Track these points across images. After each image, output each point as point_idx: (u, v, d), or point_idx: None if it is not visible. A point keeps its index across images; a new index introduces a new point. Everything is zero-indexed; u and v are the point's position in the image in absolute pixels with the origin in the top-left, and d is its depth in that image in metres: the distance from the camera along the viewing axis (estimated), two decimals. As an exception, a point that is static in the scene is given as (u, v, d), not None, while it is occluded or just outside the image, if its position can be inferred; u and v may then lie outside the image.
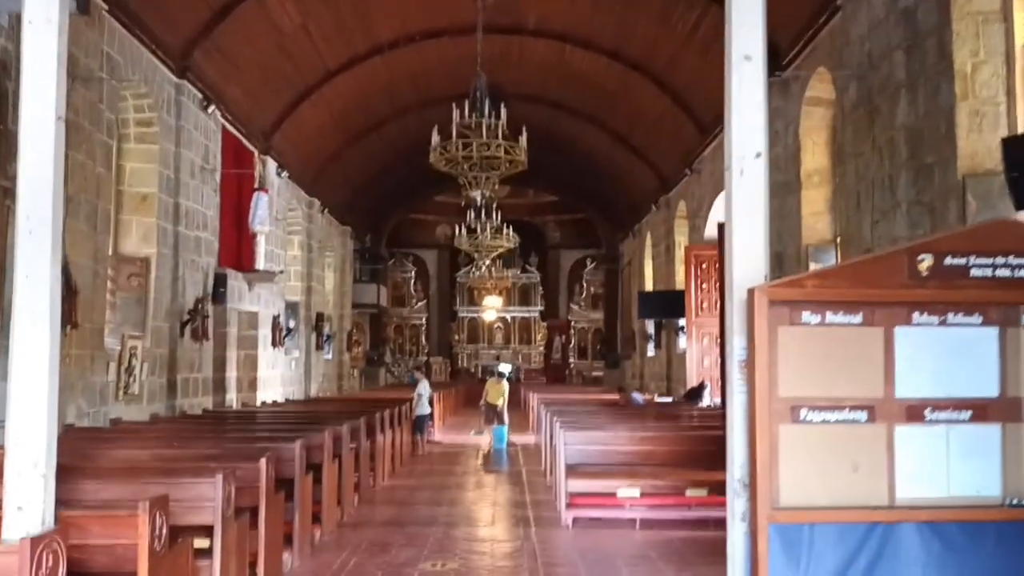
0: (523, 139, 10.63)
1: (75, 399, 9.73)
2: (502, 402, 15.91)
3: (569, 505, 7.20)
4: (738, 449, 3.45)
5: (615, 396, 17.90)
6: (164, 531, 3.54)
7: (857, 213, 9.95)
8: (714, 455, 7.33)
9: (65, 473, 4.43)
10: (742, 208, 3.38)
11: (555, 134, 22.54)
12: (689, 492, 7.11)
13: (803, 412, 3.30)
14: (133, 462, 5.21)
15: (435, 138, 10.62)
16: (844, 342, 3.30)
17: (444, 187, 30.06)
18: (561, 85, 19.75)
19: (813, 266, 12.10)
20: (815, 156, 12.36)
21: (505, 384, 16.33)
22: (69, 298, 9.36)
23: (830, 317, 3.30)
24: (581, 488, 7.23)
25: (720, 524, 6.97)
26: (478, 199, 11.35)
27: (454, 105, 10.33)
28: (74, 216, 9.60)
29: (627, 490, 7.13)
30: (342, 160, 21.85)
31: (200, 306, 13.37)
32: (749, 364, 3.29)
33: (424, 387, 15.98)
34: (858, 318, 3.31)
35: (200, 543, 4.27)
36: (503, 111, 10.16)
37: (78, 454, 5.66)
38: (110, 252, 11.76)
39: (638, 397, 15.73)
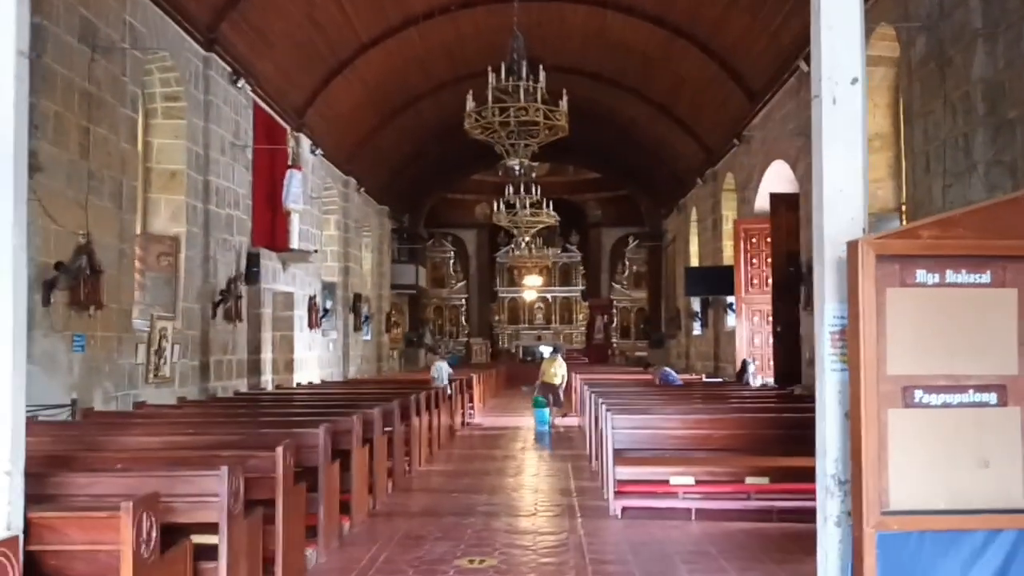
0: (564, 103, 10.00)
1: (101, 382, 9.40)
2: (561, 380, 15.30)
3: (618, 493, 6.62)
4: (831, 439, 2.86)
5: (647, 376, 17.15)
6: (154, 534, 3.06)
7: (927, 177, 9.20)
8: (775, 439, 6.73)
9: (58, 464, 3.98)
10: (835, 144, 2.78)
11: (595, 107, 21.80)
12: (749, 480, 6.50)
13: (917, 394, 2.68)
14: (140, 451, 4.76)
15: (470, 103, 10.02)
16: (968, 307, 2.66)
17: (482, 165, 29.60)
18: (601, 55, 19.02)
19: (874, 237, 11.35)
20: (876, 119, 11.57)
21: (561, 361, 15.68)
22: (93, 278, 9.03)
23: (951, 276, 2.67)
24: (630, 475, 6.66)
25: (786, 516, 6.43)
26: (516, 168, 10.71)
27: (490, 68, 9.73)
28: (97, 193, 9.23)
29: (680, 478, 6.54)
30: (377, 138, 21.38)
31: (233, 286, 13.00)
32: (851, 335, 2.69)
33: (438, 369, 15.53)
34: (986, 277, 2.68)
35: (209, 539, 3.79)
36: (542, 74, 9.53)
37: (84, 442, 5.24)
38: (138, 231, 11.43)
39: (672, 374, 14.83)
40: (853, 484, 2.72)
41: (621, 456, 6.67)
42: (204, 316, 12.32)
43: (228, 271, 13.04)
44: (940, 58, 8.88)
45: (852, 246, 2.67)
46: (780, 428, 6.70)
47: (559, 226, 34.06)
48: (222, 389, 12.50)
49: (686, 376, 17.64)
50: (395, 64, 18.20)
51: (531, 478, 9.17)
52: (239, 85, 13.51)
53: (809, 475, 6.94)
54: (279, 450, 4.47)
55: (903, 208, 10.98)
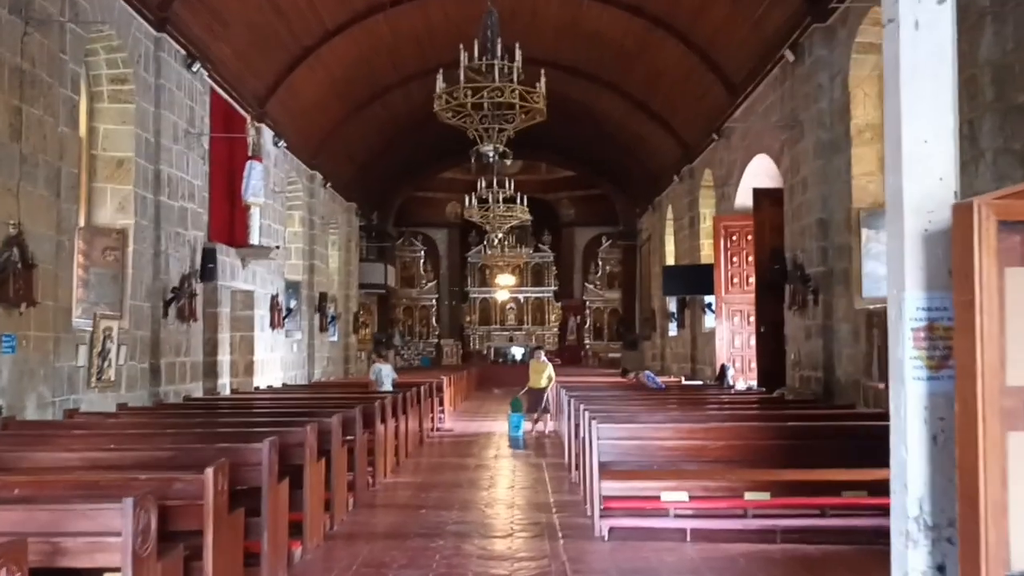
0: (542, 84, 9.31)
1: (36, 387, 8.56)
2: (548, 384, 14.27)
3: (605, 512, 5.95)
4: (915, 471, 2.21)
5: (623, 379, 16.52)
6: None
7: (926, 167, 8.63)
8: (777, 450, 6.11)
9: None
10: (918, 81, 2.15)
11: (570, 102, 21.16)
12: (748, 495, 5.86)
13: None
14: (49, 471, 4.03)
15: (440, 83, 9.29)
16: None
17: (453, 162, 28.90)
18: (576, 47, 18.39)
19: (866, 233, 10.82)
20: (867, 109, 11.04)
21: (548, 363, 14.64)
22: (25, 272, 8.21)
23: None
24: (617, 491, 5.99)
25: (790, 536, 5.80)
26: (490, 154, 10.01)
27: (462, 47, 9.02)
28: (31, 180, 8.40)
29: (673, 493, 5.89)
30: (344, 131, 20.59)
31: (186, 284, 12.18)
32: (961, 332, 2.04)
33: (377, 372, 14.21)
34: None
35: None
36: (518, 53, 8.83)
37: (-16, 460, 4.49)
38: (81, 223, 10.60)
39: (653, 378, 14.17)
40: (963, 533, 2.07)
41: (607, 469, 6.01)
42: (155, 315, 11.50)
43: (181, 267, 12.22)
44: (942, 40, 8.32)
45: (962, 210, 2.04)
46: (782, 437, 6.09)
47: (531, 225, 33.45)
48: (175, 394, 11.68)
49: (662, 379, 17.04)
50: (362, 53, 17.46)
51: (506, 491, 8.47)
52: (194, 69, 12.70)
53: (813, 489, 6.38)
54: (209, 472, 3.75)
55: (897, 202, 10.45)
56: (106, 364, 10.31)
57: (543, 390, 14.14)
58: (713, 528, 5.78)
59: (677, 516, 5.96)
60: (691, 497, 5.95)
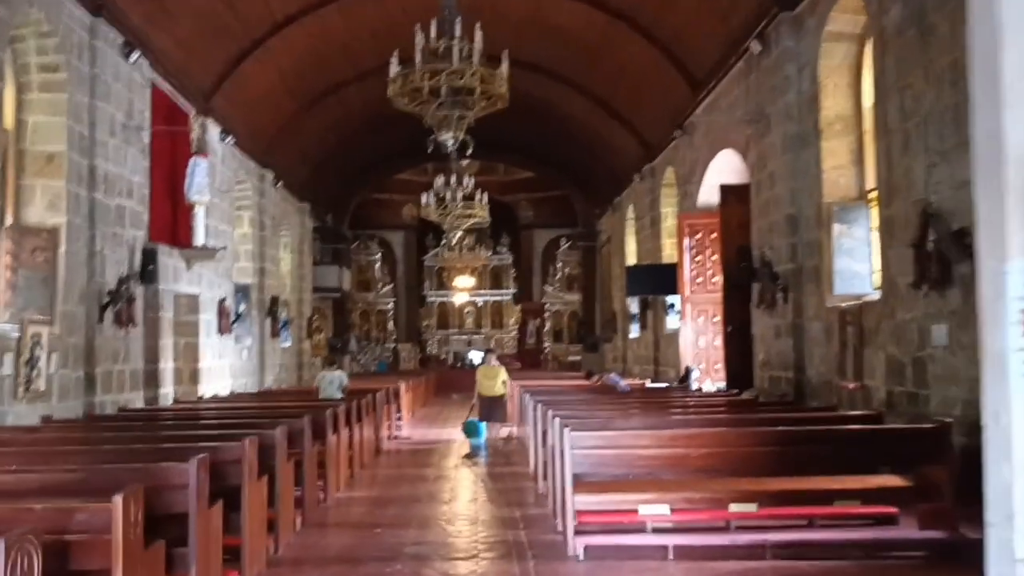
0: (504, 68, 8.77)
1: (-49, 399, 7.84)
2: (504, 391, 12.80)
3: (579, 529, 5.43)
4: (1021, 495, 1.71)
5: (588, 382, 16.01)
6: None
7: (905, 157, 8.30)
8: (763, 458, 5.65)
9: None
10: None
11: (530, 100, 20.60)
12: (733, 507, 5.39)
13: None
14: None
15: (394, 66, 8.69)
16: None
17: (409, 163, 28.28)
18: (537, 43, 17.89)
19: (838, 228, 10.47)
20: (837, 100, 10.70)
21: (501, 367, 13.15)
22: (-61, 274, 7.50)
23: None
24: (592, 504, 5.48)
25: (780, 552, 5.29)
26: (448, 143, 9.44)
27: (418, 27, 8.45)
28: (-54, 173, 7.67)
29: (652, 506, 5.40)
30: (297, 129, 19.86)
31: (124, 287, 11.43)
32: None
33: (323, 380, 13.02)
34: None
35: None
36: (478, 34, 8.28)
37: None
38: (7, 221, 9.85)
39: (619, 381, 13.49)
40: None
41: (581, 481, 5.49)
42: (89, 320, 10.74)
43: (119, 269, 11.47)
44: (921, 25, 7.99)
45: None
46: (768, 443, 5.63)
47: (490, 228, 32.93)
48: (112, 404, 10.93)
49: (627, 381, 16.61)
50: (315, 46, 16.79)
51: (468, 504, 7.92)
52: (132, 59, 11.95)
53: (803, 499, 5.95)
54: (117, 500, 3.15)
55: (870, 195, 10.12)
56: (35, 373, 9.55)
57: (500, 398, 12.74)
58: (697, 544, 5.29)
59: (656, 531, 5.47)
60: (672, 510, 5.46)
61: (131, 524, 3.25)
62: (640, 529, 5.46)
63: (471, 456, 11.84)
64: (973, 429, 6.89)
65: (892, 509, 5.98)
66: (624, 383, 13.18)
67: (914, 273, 7.85)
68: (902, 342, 8.39)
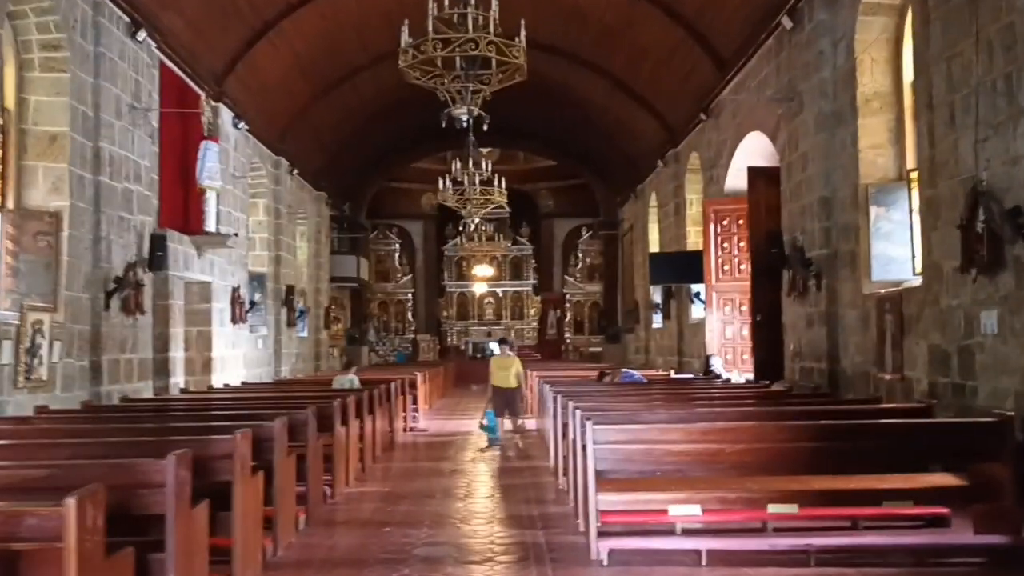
0: (522, 37, 8.26)
1: (-54, 388, 7.51)
2: (518, 383, 12.12)
3: (603, 530, 4.97)
4: None
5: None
6: None
7: (951, 132, 7.74)
8: (806, 454, 5.17)
9: None
10: None
11: (548, 84, 20.18)
12: (772, 508, 4.91)
13: None
14: None
15: (404, 36, 8.20)
16: None
17: (427, 151, 27.87)
18: (554, 24, 17.36)
19: (875, 211, 9.93)
20: (874, 76, 10.12)
21: (516, 358, 12.37)
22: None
23: None
24: (617, 504, 5.01)
25: (825, 558, 4.80)
26: (463, 118, 8.96)
27: (431, -2, 7.93)
28: (-61, 151, 7.32)
29: (682, 506, 4.93)
30: (312, 116, 19.48)
31: (132, 273, 11.09)
32: None
33: (341, 384, 12.05)
34: None
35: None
36: (494, 2, 7.78)
37: None
38: (8, 204, 9.52)
39: (634, 375, 12.46)
40: None
41: (605, 479, 5.04)
42: (95, 307, 10.41)
43: (126, 255, 11.13)
44: (970, -12, 7.42)
45: None
46: (810, 439, 5.14)
47: (509, 217, 32.53)
48: (119, 394, 10.59)
49: (647, 373, 16.10)
50: (329, 29, 16.38)
51: (484, 501, 7.47)
52: (139, 38, 11.59)
53: (848, 499, 5.47)
54: (70, 504, 2.72)
55: (911, 175, 9.56)
56: (36, 362, 9.23)
57: (515, 390, 12.08)
58: (733, 549, 4.82)
59: (687, 533, 5.01)
60: (704, 511, 4.99)
61: (88, 530, 2.82)
62: (669, 531, 5.00)
63: (488, 448, 11.40)
64: (1031, 423, 6.39)
65: (944, 510, 5.49)
66: (639, 375, 12.48)
67: (961, 256, 7.30)
68: (947, 330, 7.84)
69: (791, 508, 4.93)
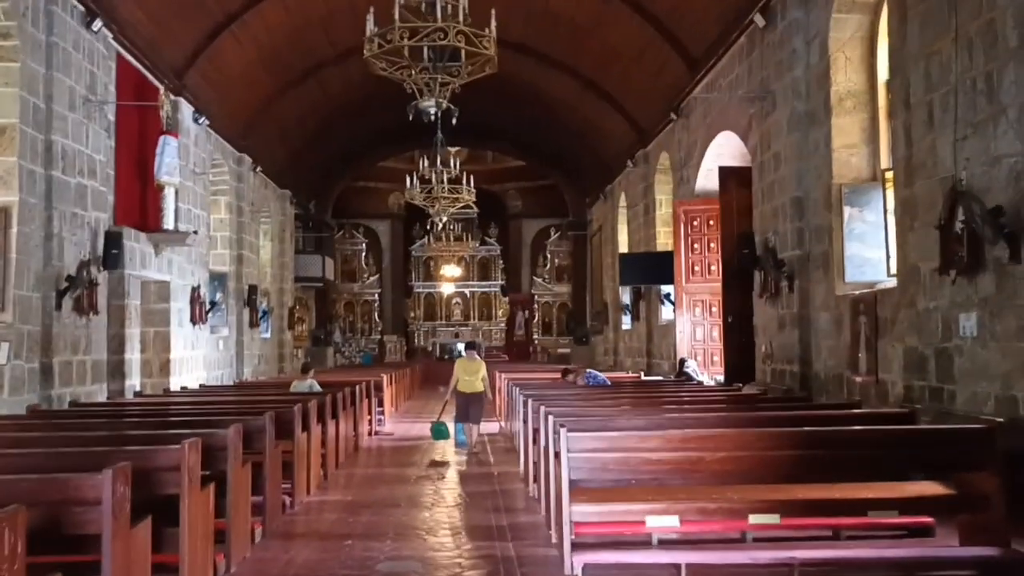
0: (492, 27, 7.98)
1: None
2: (484, 389, 11.58)
3: (577, 544, 4.72)
4: None
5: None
6: None
7: (929, 132, 7.61)
8: (788, 462, 4.96)
9: None
10: None
11: (517, 84, 19.98)
12: (753, 519, 4.70)
13: None
14: None
15: (370, 24, 7.87)
16: None
17: (394, 150, 27.52)
18: (524, 23, 17.17)
19: (848, 211, 9.81)
20: (849, 75, 10.01)
21: (482, 363, 11.83)
22: None
23: None
24: (593, 515, 4.76)
25: (809, 571, 4.63)
26: (431, 110, 8.63)
27: (397, -18, 7.64)
28: None
29: (660, 518, 4.70)
30: (276, 112, 19.05)
31: (85, 271, 10.65)
32: None
33: (299, 389, 11.38)
34: None
35: None
36: (463, -9, 7.53)
37: None
38: (-49, 199, 9.10)
39: (598, 376, 12.09)
40: None
41: (578, 487, 4.79)
42: (46, 307, 9.97)
43: (79, 253, 10.69)
44: (949, -15, 7.29)
45: None
46: (793, 446, 4.92)
47: (478, 218, 32.24)
48: (72, 397, 10.15)
49: (616, 375, 15.90)
50: (294, 23, 15.99)
51: (451, 510, 7.19)
52: (95, 28, 11.15)
53: (830, 508, 5.27)
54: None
55: (885, 175, 9.45)
56: (-19, 364, 8.82)
57: (480, 395, 11.51)
58: (713, 563, 4.60)
59: (664, 546, 4.78)
60: (682, 521, 4.75)
61: (6, 558, 2.51)
62: (646, 543, 4.76)
63: (457, 450, 11.11)
64: (1013, 429, 6.25)
65: (928, 520, 5.31)
66: (603, 377, 12.22)
67: (940, 257, 7.17)
68: (923, 333, 7.71)
69: (773, 518, 4.71)
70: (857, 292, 9.32)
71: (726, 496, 4.75)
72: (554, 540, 5.40)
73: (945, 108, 7.34)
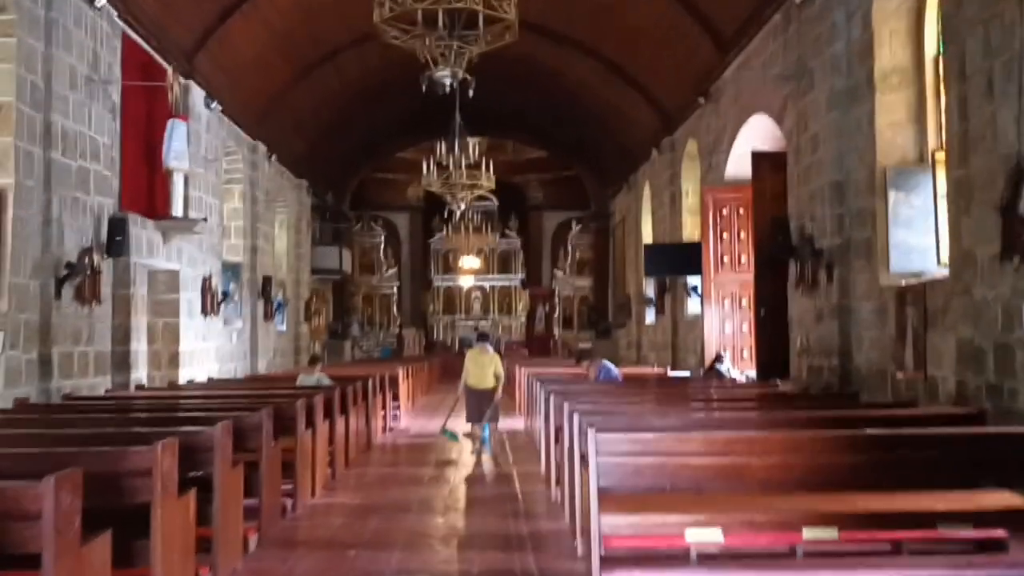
0: (512, -12, 7.43)
1: None
2: (496, 385, 10.68)
3: (607, 559, 4.14)
4: None
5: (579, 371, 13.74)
6: None
7: (988, 103, 6.95)
8: (847, 469, 4.37)
9: None
10: None
11: (537, 68, 19.42)
12: (808, 532, 4.12)
13: None
14: None
15: (380, -14, 7.36)
16: None
17: (413, 140, 26.98)
18: (544, 2, 16.50)
19: (894, 195, 9.15)
20: (893, 49, 9.34)
21: (495, 356, 10.96)
22: None
23: None
24: (624, 527, 4.20)
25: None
26: (446, 81, 8.08)
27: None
28: None
29: (701, 530, 4.13)
30: (291, 99, 18.57)
31: (87, 258, 10.19)
32: None
33: (305, 383, 10.75)
34: None
35: None
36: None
37: None
38: (-57, 181, 8.66)
39: (612, 369, 11.42)
40: None
41: (608, 494, 4.22)
42: (45, 295, 9.53)
43: (80, 239, 10.24)
44: (1012, -58, 6.64)
45: None
46: (853, 451, 4.33)
47: (498, 210, 31.72)
48: (74, 390, 9.71)
49: (640, 370, 15.31)
50: (308, 5, 15.49)
51: (466, 516, 6.63)
52: (98, 5, 10.68)
53: (894, 521, 4.69)
54: None
55: (934, 156, 8.79)
56: (-26, 354, 8.38)
57: (491, 391, 10.63)
58: (763, 584, 4.03)
59: (704, 561, 4.20)
60: (725, 534, 4.18)
61: None
62: (683, 558, 4.19)
63: (476, 448, 10.54)
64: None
65: (1000, 533, 4.70)
66: (617, 371, 11.61)
67: (1000, 241, 6.53)
68: (980, 325, 7.07)
69: (831, 532, 4.12)
70: (904, 282, 8.68)
71: (776, 507, 4.17)
72: (580, 553, 4.85)
73: (1008, 76, 6.68)
